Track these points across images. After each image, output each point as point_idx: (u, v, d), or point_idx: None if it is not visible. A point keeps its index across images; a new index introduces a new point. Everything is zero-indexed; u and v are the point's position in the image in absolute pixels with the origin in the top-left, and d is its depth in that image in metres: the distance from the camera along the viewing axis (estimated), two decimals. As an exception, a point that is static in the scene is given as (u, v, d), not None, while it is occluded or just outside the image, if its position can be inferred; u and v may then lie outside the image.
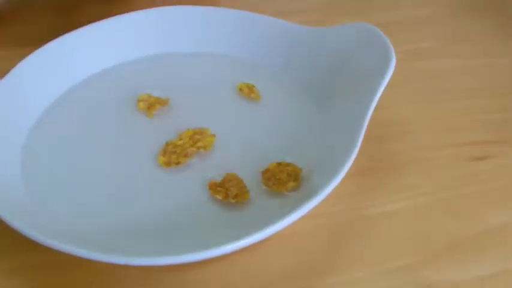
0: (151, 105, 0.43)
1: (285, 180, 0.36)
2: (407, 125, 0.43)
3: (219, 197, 0.35)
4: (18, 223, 0.31)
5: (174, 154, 0.39)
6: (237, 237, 0.30)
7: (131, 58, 0.47)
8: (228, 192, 0.36)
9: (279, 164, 0.38)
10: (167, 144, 0.39)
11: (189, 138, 0.39)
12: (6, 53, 0.48)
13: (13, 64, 0.42)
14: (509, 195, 0.38)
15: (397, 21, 0.55)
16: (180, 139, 0.40)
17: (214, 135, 0.40)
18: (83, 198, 0.37)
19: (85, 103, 0.43)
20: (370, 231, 0.36)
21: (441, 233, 0.36)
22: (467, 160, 0.40)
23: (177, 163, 0.38)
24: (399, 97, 0.44)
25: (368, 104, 0.36)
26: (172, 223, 0.35)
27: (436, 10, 0.57)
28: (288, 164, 0.38)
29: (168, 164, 0.38)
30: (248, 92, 0.44)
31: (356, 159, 0.34)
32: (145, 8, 0.48)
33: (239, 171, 0.38)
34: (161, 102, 0.43)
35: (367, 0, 0.59)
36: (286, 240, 0.35)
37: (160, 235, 0.34)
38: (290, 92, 0.44)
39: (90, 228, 0.35)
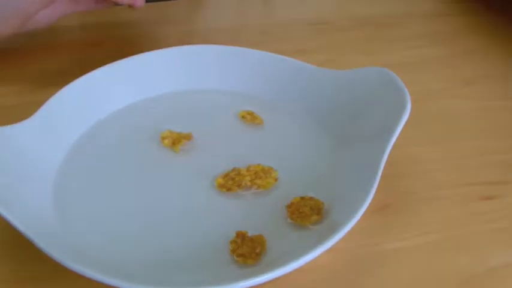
0: (177, 140, 0.44)
1: (308, 214, 0.38)
2: (420, 165, 0.44)
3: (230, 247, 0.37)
4: (55, 252, 0.33)
5: (232, 180, 0.41)
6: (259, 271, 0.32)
7: (148, 96, 0.49)
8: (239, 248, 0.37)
9: (302, 198, 0.40)
10: (233, 169, 0.42)
11: (255, 173, 0.41)
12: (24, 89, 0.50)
13: (30, 100, 0.43)
14: (518, 234, 0.40)
15: (409, 61, 0.57)
16: (248, 170, 0.41)
17: (276, 180, 0.41)
18: (114, 230, 0.38)
19: (112, 138, 0.45)
20: (383, 268, 0.37)
21: (452, 271, 0.37)
22: (477, 199, 0.42)
23: (229, 189, 0.40)
24: (412, 137, 0.45)
25: (385, 145, 0.38)
26: (195, 257, 0.37)
27: (447, 51, 0.59)
28: (311, 198, 0.40)
29: (221, 186, 0.41)
30: (251, 118, 0.46)
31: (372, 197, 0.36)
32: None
33: (267, 204, 0.40)
34: (186, 137, 0.45)
35: (378, 40, 0.61)
36: (302, 275, 0.36)
37: (182, 267, 0.36)
38: (310, 130, 0.46)
39: (120, 258, 0.36)
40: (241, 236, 0.37)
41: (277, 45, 0.55)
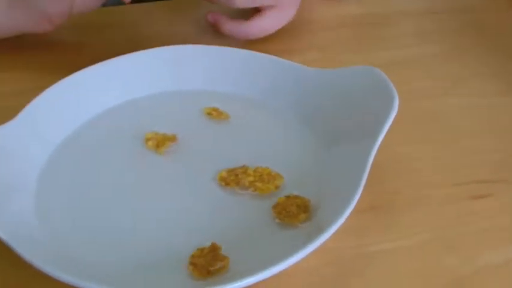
0: (161, 142, 0.44)
1: (295, 213, 0.38)
2: (409, 164, 0.44)
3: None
4: (36, 259, 0.32)
5: (235, 177, 0.41)
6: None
7: (134, 97, 0.48)
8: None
9: (287, 197, 0.39)
10: (242, 167, 0.41)
11: (260, 175, 0.41)
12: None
13: (14, 102, 0.43)
14: (508, 235, 0.39)
15: (399, 60, 0.56)
16: (254, 171, 0.41)
17: (277, 188, 0.40)
18: (95, 232, 0.38)
19: (94, 140, 0.45)
20: (371, 270, 0.37)
21: (441, 272, 0.37)
22: (467, 199, 0.41)
23: (227, 184, 0.40)
24: (400, 136, 0.44)
25: (372, 145, 0.38)
26: (180, 258, 0.36)
27: (437, 49, 0.58)
28: (296, 197, 0.39)
29: (222, 179, 0.41)
30: (217, 114, 0.46)
31: (359, 197, 0.35)
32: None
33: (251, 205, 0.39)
34: (171, 138, 0.44)
35: (368, 39, 0.60)
36: (288, 276, 0.35)
37: (167, 270, 0.35)
38: (296, 129, 0.45)
39: (105, 262, 0.36)
40: (211, 248, 0.36)
41: (264, 45, 0.55)
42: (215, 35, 0.56)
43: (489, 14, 0.64)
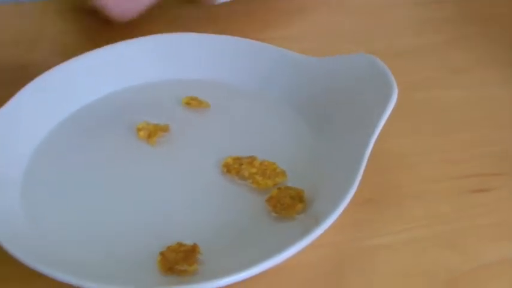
0: (153, 132, 0.43)
1: (291, 204, 0.37)
2: (408, 157, 0.43)
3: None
4: (18, 252, 0.31)
5: (238, 166, 0.40)
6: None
7: (127, 85, 0.47)
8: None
9: (280, 189, 0.38)
10: (250, 157, 0.40)
11: (263, 170, 0.40)
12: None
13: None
14: (509, 229, 0.38)
15: (398, 50, 0.55)
16: (261, 164, 0.40)
17: (276, 185, 0.39)
18: (82, 226, 0.37)
19: (85, 131, 0.44)
20: (369, 265, 0.36)
21: (440, 267, 0.36)
22: (467, 192, 0.40)
23: (229, 171, 0.40)
24: (400, 128, 0.44)
25: (370, 135, 0.37)
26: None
27: (436, 40, 0.57)
28: (289, 188, 0.38)
29: (225, 165, 0.40)
30: (197, 103, 0.45)
31: (356, 189, 0.34)
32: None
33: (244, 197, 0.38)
34: (162, 128, 0.43)
35: (367, 29, 0.59)
36: (286, 271, 0.35)
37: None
38: (289, 118, 0.44)
39: (87, 256, 0.35)
40: (190, 248, 0.35)
41: (261, 33, 0.54)
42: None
43: (493, 3, 0.63)
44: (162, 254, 0.34)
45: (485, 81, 0.51)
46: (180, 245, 0.35)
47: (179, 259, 0.34)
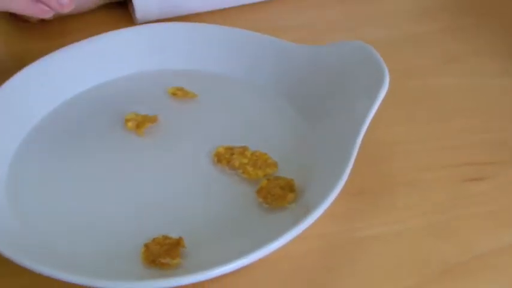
0: (141, 123, 0.42)
1: (281, 194, 0.36)
2: (401, 146, 0.42)
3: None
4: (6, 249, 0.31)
5: (230, 155, 0.39)
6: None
7: (115, 76, 0.47)
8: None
9: (269, 180, 0.38)
10: (242, 147, 0.40)
11: (254, 160, 0.39)
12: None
13: None
14: (505, 218, 0.37)
15: (391, 39, 0.54)
16: (252, 154, 0.39)
17: (267, 175, 0.38)
18: (71, 218, 0.36)
19: (72, 123, 0.43)
20: (362, 255, 0.35)
21: (434, 258, 0.35)
22: (462, 181, 0.40)
23: (219, 161, 0.39)
24: (393, 116, 0.43)
25: (361, 123, 0.36)
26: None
27: (430, 28, 0.56)
28: (278, 178, 0.38)
29: (217, 155, 0.39)
30: (183, 94, 0.44)
31: (348, 179, 0.34)
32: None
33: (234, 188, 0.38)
34: (150, 119, 0.42)
35: (359, 18, 0.58)
36: (277, 263, 0.34)
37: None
38: (279, 106, 0.44)
39: (80, 251, 0.34)
40: (174, 242, 0.34)
41: (253, 23, 0.53)
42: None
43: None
44: (146, 245, 0.34)
45: (480, 71, 0.51)
46: (165, 237, 0.34)
47: (162, 252, 0.33)
